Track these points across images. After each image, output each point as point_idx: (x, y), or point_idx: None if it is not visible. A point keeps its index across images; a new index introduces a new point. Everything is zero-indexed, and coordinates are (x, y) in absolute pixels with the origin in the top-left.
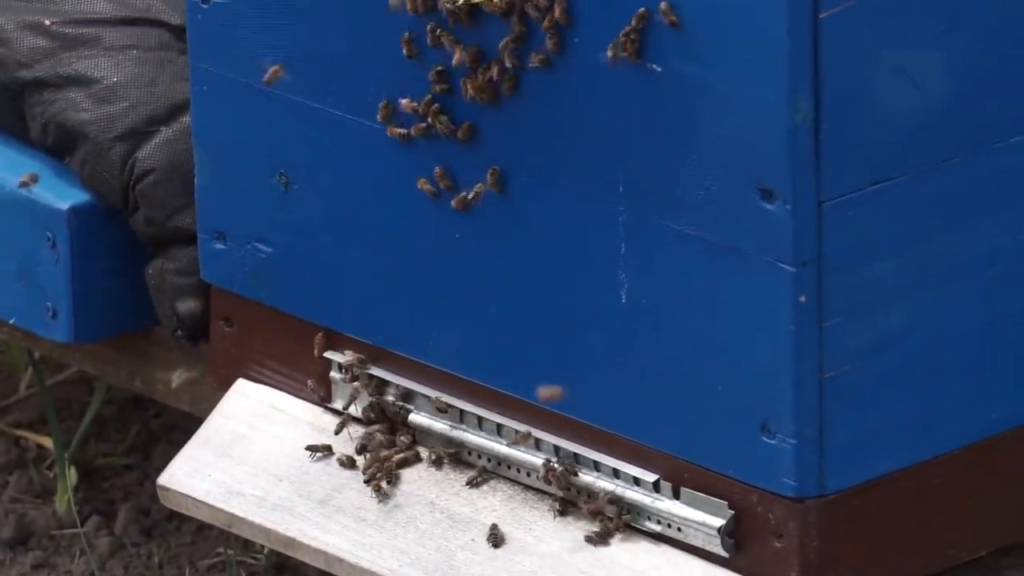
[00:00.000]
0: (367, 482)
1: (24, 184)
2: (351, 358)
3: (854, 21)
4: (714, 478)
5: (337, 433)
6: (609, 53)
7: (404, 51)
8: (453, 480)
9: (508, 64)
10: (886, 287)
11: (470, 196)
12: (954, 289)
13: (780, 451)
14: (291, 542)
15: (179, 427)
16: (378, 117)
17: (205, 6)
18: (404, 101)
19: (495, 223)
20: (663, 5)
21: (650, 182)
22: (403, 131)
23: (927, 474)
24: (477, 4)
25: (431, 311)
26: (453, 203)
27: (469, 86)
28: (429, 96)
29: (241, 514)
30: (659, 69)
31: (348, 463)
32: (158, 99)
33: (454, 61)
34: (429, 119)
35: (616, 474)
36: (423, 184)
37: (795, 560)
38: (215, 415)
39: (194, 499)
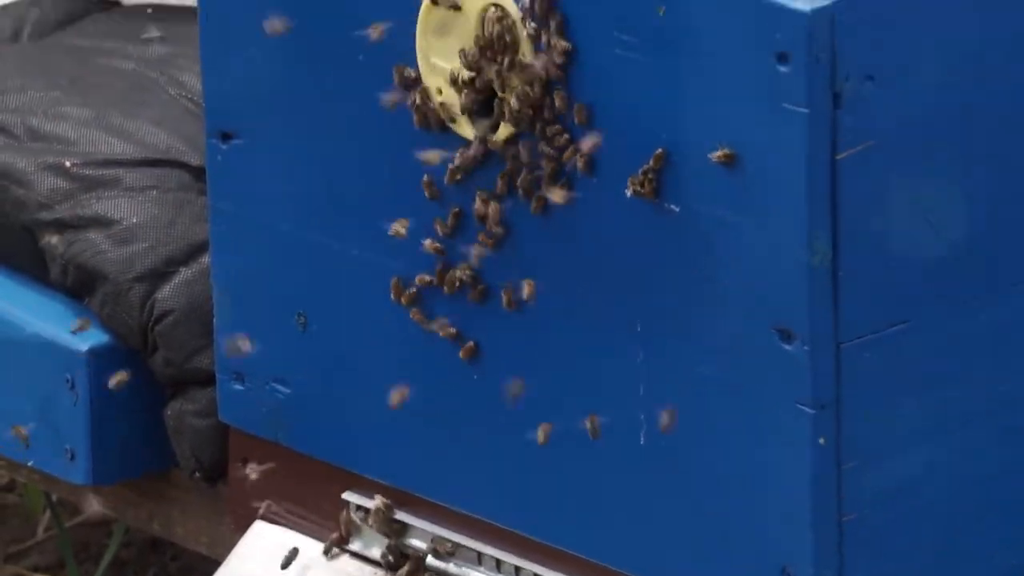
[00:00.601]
0: None
1: (79, 330)
2: (376, 503)
3: (872, 162)
4: None
5: None
6: (627, 191)
7: (426, 193)
8: None
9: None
10: (905, 429)
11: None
12: (973, 432)
13: None
14: None
15: (197, 570)
16: (402, 300)
17: (224, 146)
18: (427, 243)
19: (512, 364)
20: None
21: (668, 322)
22: (422, 317)
23: None
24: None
25: (450, 453)
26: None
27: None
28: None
29: None
30: (677, 209)
31: None
32: (177, 240)
33: (478, 211)
34: (446, 287)
35: None
36: (442, 329)
37: None
38: (232, 558)
39: None
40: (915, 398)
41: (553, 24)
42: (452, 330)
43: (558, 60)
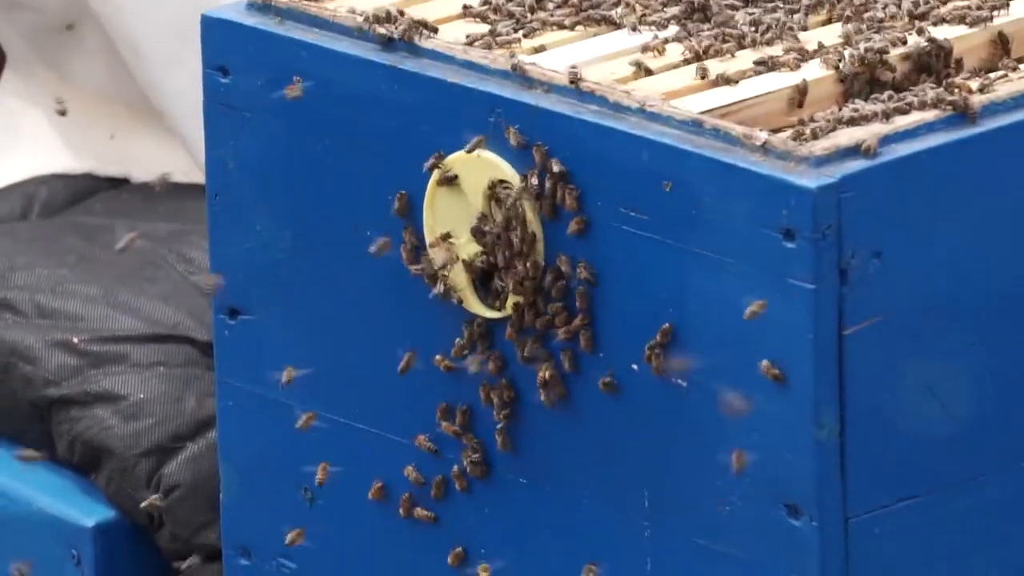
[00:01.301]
0: None
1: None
2: None
3: (879, 338)
4: None
5: None
6: (634, 366)
7: (441, 368)
8: None
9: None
10: None
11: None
12: None
13: None
14: None
15: None
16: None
17: (232, 322)
18: (421, 439)
19: (516, 536)
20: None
21: (675, 496)
22: (428, 513)
23: None
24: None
25: None
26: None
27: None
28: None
29: None
30: (684, 384)
31: None
32: (184, 415)
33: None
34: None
35: None
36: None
37: None
38: None
39: None
40: (925, 574)
41: (568, 198)
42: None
43: (573, 230)
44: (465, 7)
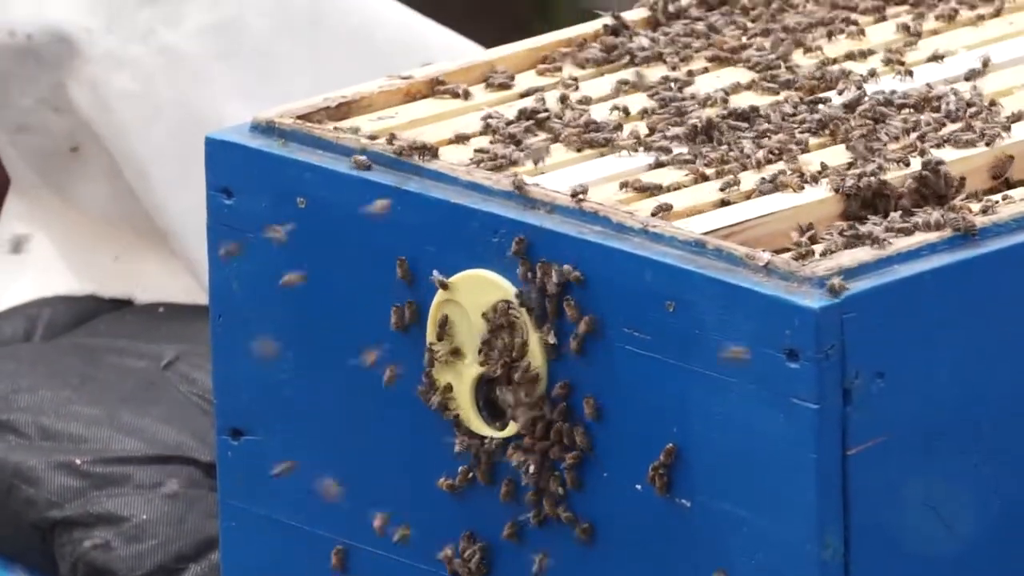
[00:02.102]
0: None
1: None
2: None
3: (882, 458)
4: None
5: None
6: (638, 486)
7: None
8: None
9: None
10: None
11: None
12: None
13: None
14: None
15: None
16: None
17: (235, 443)
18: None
19: None
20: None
21: None
22: None
23: None
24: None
25: None
26: None
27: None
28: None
29: None
30: (688, 504)
31: None
32: (187, 536)
33: None
34: None
35: None
36: None
37: None
38: None
39: None
40: None
41: (569, 311)
42: None
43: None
44: (482, 127)
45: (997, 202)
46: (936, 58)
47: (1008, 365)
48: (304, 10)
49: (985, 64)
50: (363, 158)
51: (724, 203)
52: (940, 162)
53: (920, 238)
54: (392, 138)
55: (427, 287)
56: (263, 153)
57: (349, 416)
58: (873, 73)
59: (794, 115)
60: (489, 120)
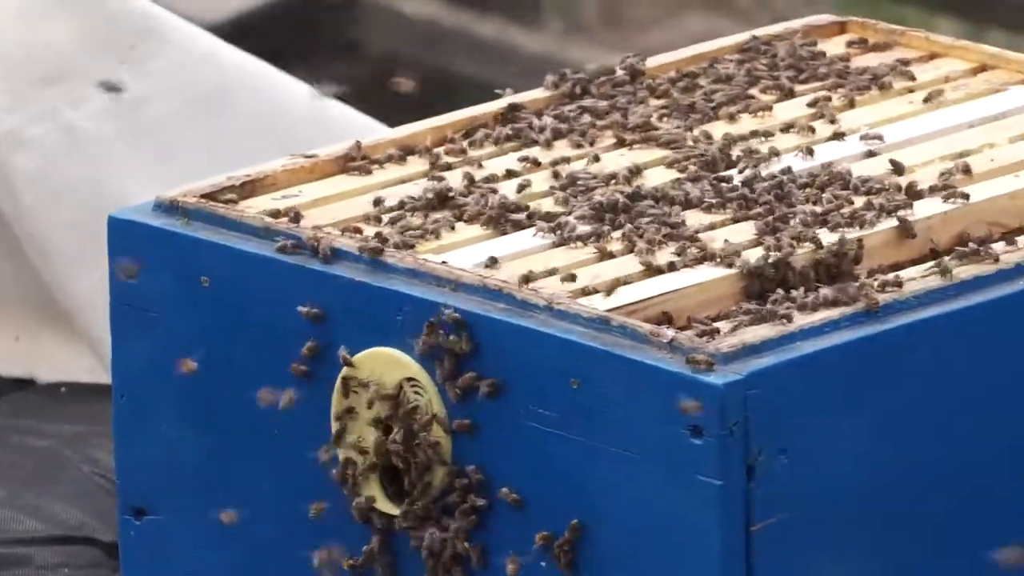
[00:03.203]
0: None
1: None
2: None
3: (785, 534)
4: None
5: None
6: (543, 563)
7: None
8: None
9: None
10: None
11: None
12: None
13: None
14: None
15: None
16: None
17: (138, 522)
18: None
19: None
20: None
21: None
22: None
23: None
24: None
25: None
26: None
27: None
28: None
29: None
30: None
31: None
32: None
33: None
34: None
35: None
36: None
37: None
38: None
39: None
40: None
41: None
42: None
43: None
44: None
45: (899, 278)
46: (838, 136)
47: (910, 441)
48: (208, 90)
49: (882, 140)
50: (288, 243)
51: (628, 280)
52: (843, 240)
53: (823, 315)
54: (296, 216)
55: (332, 365)
56: (166, 232)
57: (252, 495)
58: (777, 152)
59: (699, 193)
60: (391, 199)
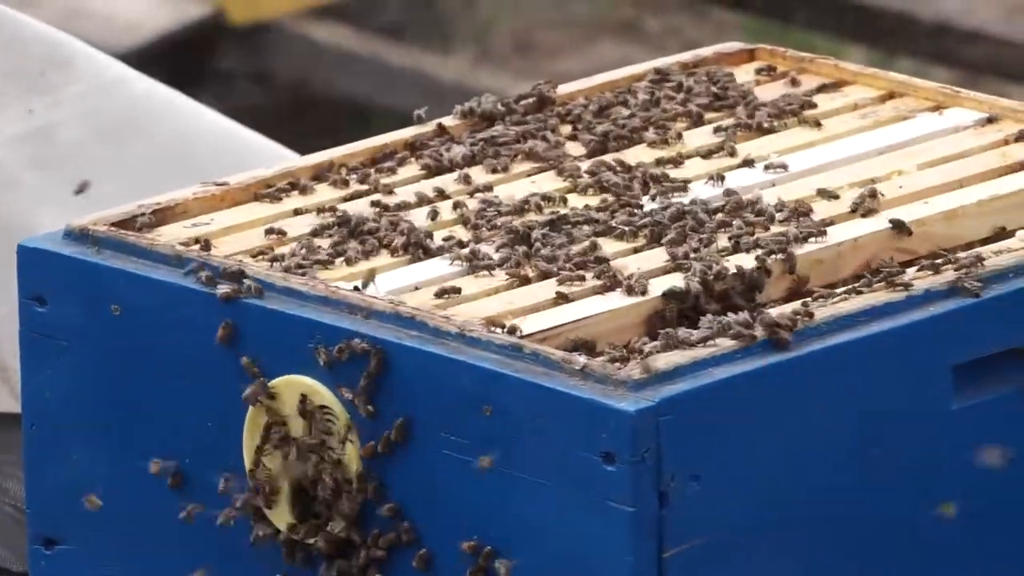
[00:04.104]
0: None
1: None
2: None
3: (698, 560)
4: None
5: None
6: None
7: None
8: None
9: None
10: None
11: None
12: None
13: None
14: None
15: None
16: None
17: (48, 552)
18: None
19: None
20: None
21: None
22: None
23: None
24: None
25: None
26: None
27: None
28: None
29: None
30: None
31: None
32: None
33: None
34: None
35: None
36: None
37: None
38: None
39: None
40: None
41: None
42: None
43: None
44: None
45: (809, 305)
46: (747, 163)
47: (823, 466)
48: (118, 118)
49: (786, 169)
50: (208, 274)
51: (541, 308)
52: (755, 266)
53: (735, 341)
54: (207, 244)
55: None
56: (76, 260)
57: (164, 524)
58: (687, 179)
59: (610, 220)
60: (302, 226)
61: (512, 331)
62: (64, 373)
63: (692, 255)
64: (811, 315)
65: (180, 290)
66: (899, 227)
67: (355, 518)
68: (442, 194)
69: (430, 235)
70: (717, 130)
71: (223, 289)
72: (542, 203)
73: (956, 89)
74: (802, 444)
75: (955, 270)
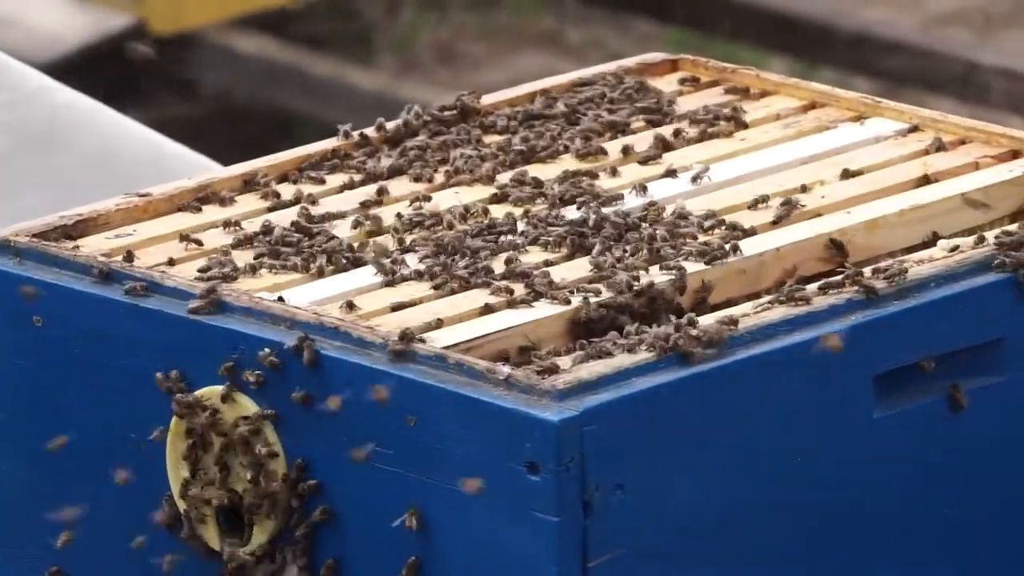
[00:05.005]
0: None
1: None
2: None
3: (623, 569)
4: None
5: None
6: None
7: None
8: None
9: None
10: None
11: None
12: None
13: None
14: None
15: None
16: None
17: None
18: None
19: None
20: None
21: None
22: None
23: None
24: None
25: None
26: None
27: None
28: None
29: None
30: None
31: None
32: None
33: None
34: None
35: None
36: None
37: None
38: None
39: None
40: None
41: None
42: None
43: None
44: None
45: (735, 315)
46: (671, 173)
47: (745, 476)
48: (40, 129)
49: (711, 178)
50: (137, 285)
51: (464, 318)
52: (679, 276)
53: (658, 351)
54: (129, 255)
55: (167, 404)
56: None
57: (91, 536)
58: (611, 189)
59: (534, 231)
60: (226, 237)
61: (406, 338)
62: None
63: (616, 264)
64: (736, 325)
65: (102, 301)
66: (838, 247)
67: (282, 527)
68: (366, 205)
69: (353, 246)
70: (640, 140)
71: (145, 300)
72: (466, 213)
73: (877, 99)
74: (725, 454)
75: (880, 278)
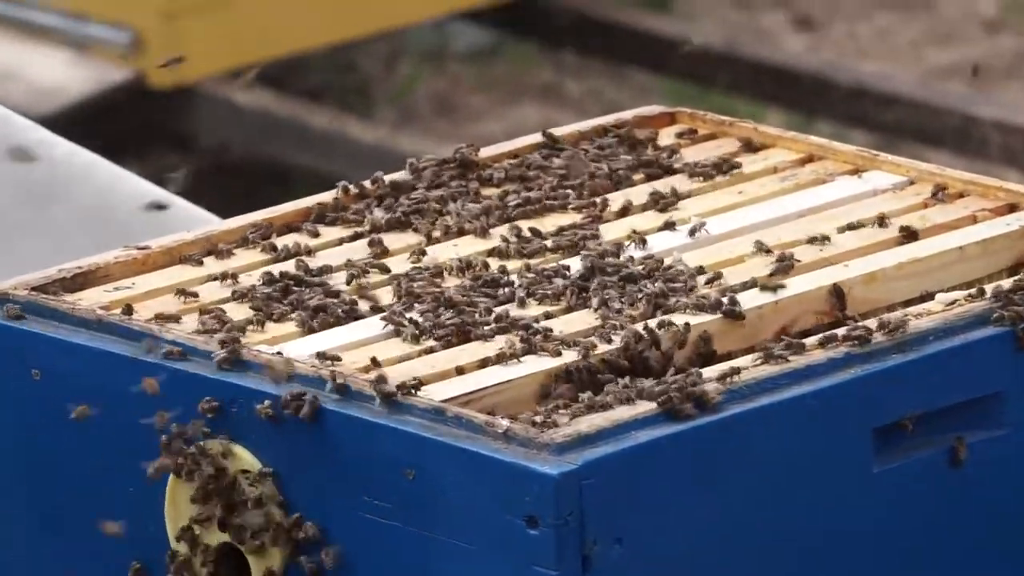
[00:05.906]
0: None
1: None
2: None
3: None
4: None
5: None
6: None
7: None
8: None
9: None
10: None
11: None
12: None
13: None
14: None
15: None
16: None
17: None
18: None
19: None
20: None
21: None
22: None
23: None
24: None
25: None
26: None
27: None
28: None
29: None
30: None
31: None
32: None
33: None
34: None
35: None
36: None
37: None
38: None
39: None
40: None
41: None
42: None
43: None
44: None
45: (736, 368)
46: (669, 226)
47: (744, 529)
48: (39, 183)
49: (708, 232)
50: (152, 342)
51: (462, 371)
52: (678, 330)
53: (655, 405)
54: (128, 309)
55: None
56: None
57: None
58: (609, 241)
59: (532, 283)
60: (223, 291)
61: (381, 381)
62: None
63: (616, 318)
64: (736, 377)
65: (101, 354)
66: (839, 296)
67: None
68: (364, 258)
69: (352, 299)
70: (638, 193)
71: (143, 353)
72: (464, 267)
73: (874, 152)
74: (724, 507)
75: (880, 332)
